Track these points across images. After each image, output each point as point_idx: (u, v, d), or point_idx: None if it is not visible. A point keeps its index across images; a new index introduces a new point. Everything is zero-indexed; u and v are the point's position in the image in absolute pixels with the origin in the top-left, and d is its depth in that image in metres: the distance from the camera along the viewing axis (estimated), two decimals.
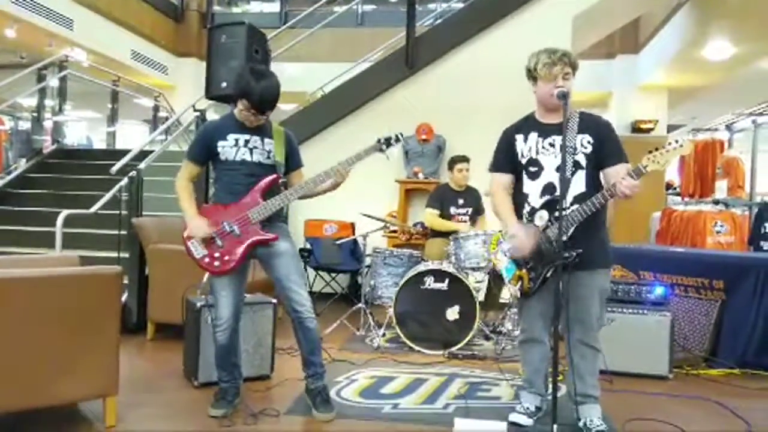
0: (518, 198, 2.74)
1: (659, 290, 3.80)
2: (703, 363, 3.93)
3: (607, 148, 2.63)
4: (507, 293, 4.60)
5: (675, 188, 8.93)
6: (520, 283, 2.70)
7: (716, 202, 6.71)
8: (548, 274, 2.63)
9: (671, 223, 6.78)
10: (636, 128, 9.20)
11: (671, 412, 3.04)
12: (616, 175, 2.53)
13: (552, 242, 2.57)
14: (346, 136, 6.18)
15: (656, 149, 2.42)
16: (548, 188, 2.65)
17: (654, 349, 3.64)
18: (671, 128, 10.47)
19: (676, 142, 2.41)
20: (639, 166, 2.42)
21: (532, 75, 2.67)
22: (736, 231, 6.27)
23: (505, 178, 2.79)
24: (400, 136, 2.96)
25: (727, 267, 4.06)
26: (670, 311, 3.71)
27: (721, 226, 6.26)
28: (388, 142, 2.93)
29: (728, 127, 7.78)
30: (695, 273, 4.15)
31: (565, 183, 2.52)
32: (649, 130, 9.16)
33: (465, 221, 4.90)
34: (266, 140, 2.84)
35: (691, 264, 4.24)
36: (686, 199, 7.58)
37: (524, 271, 2.68)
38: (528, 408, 2.84)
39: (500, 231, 2.89)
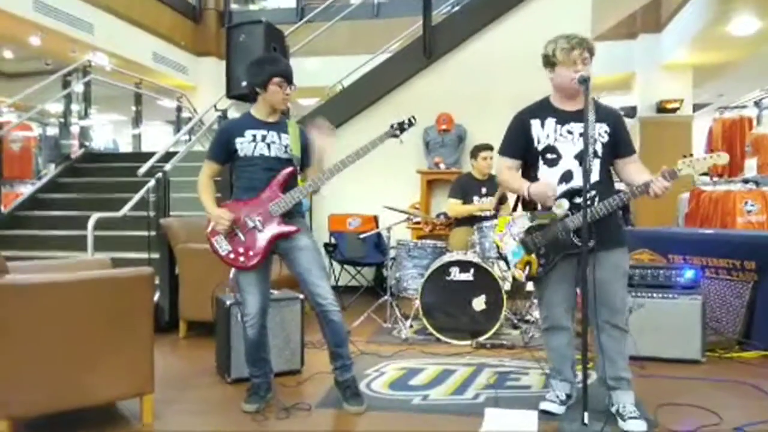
0: None
1: (689, 273, 3.74)
2: (737, 346, 3.87)
3: (621, 138, 2.68)
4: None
5: None
6: (527, 268, 2.70)
7: (746, 181, 6.56)
8: (557, 260, 2.65)
9: (700, 204, 6.65)
10: (661, 108, 9.04)
11: (705, 397, 3.01)
12: (631, 167, 2.66)
13: (569, 232, 2.60)
14: (366, 128, 6.15)
15: (691, 155, 2.50)
16: (566, 176, 2.64)
17: (686, 333, 3.60)
18: (697, 107, 10.26)
19: (717, 154, 2.56)
20: (674, 170, 2.48)
21: (549, 61, 2.65)
22: (767, 210, 6.13)
23: (515, 163, 2.78)
24: (412, 120, 2.97)
25: (758, 247, 3.98)
26: (701, 294, 3.65)
27: (752, 205, 6.12)
28: (401, 126, 2.95)
29: (757, 104, 7.59)
30: (726, 254, 4.08)
31: (588, 174, 2.51)
32: (674, 110, 8.99)
33: (488, 209, 4.88)
34: (283, 135, 2.88)
35: (721, 245, 4.16)
36: (715, 178, 7.42)
37: (533, 256, 2.68)
38: (558, 396, 2.83)
39: (509, 215, 2.89)
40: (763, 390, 3.10)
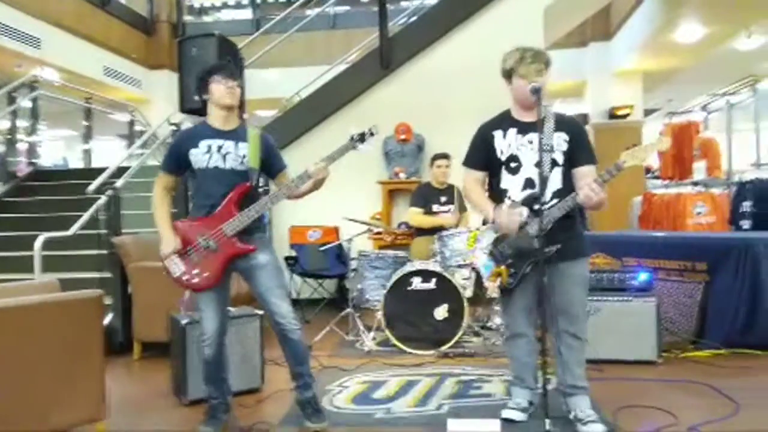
0: (497, 193, 2.76)
1: (643, 276, 3.82)
2: (691, 345, 3.96)
3: (579, 147, 2.69)
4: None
5: (654, 172, 9.01)
6: (498, 279, 2.71)
7: (695, 184, 6.79)
8: (528, 270, 2.66)
9: (652, 206, 6.86)
10: (613, 115, 9.28)
11: (661, 397, 3.07)
12: (583, 176, 2.62)
13: (531, 238, 2.59)
14: (326, 139, 6.10)
15: (634, 145, 2.49)
16: (528, 183, 2.68)
17: (641, 335, 3.67)
18: (648, 112, 10.57)
19: (658, 139, 2.52)
20: (618, 162, 2.47)
21: (507, 73, 2.69)
22: (716, 211, 6.36)
23: (480, 175, 2.81)
24: (373, 130, 2.86)
25: (708, 248, 4.10)
26: (655, 296, 3.73)
27: (702, 207, 6.34)
28: (362, 137, 2.83)
29: (704, 108, 7.87)
30: (677, 256, 4.19)
31: (544, 180, 2.55)
32: (625, 116, 9.24)
33: (450, 225, 4.90)
34: (240, 144, 2.78)
35: (673, 247, 4.28)
36: (666, 182, 7.66)
37: (503, 267, 2.70)
38: (520, 403, 2.84)
39: (477, 229, 2.90)
40: (715, 388, 3.18)
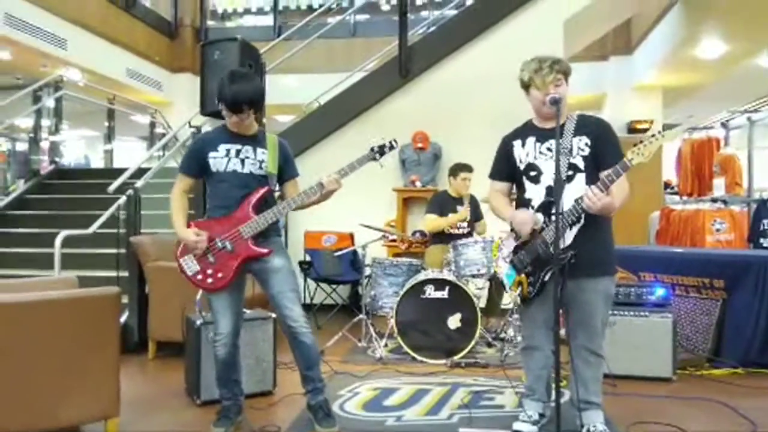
0: (522, 203, 2.74)
1: (660, 291, 3.79)
2: (707, 363, 3.91)
3: (603, 149, 2.59)
4: (508, 299, 4.59)
5: (673, 187, 8.92)
6: (520, 288, 2.69)
7: (714, 200, 6.70)
8: (546, 278, 2.62)
9: (671, 222, 6.77)
10: (632, 129, 9.21)
11: (676, 415, 3.03)
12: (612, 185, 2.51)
13: (548, 244, 2.56)
14: (342, 146, 6.19)
15: (640, 141, 2.39)
16: (549, 191, 2.63)
17: (657, 351, 3.63)
18: (667, 127, 10.42)
19: (659, 132, 2.40)
20: (624, 161, 2.39)
21: (524, 84, 2.67)
22: (735, 228, 6.26)
23: (503, 186, 2.81)
24: (393, 143, 2.91)
25: (726, 265, 4.05)
26: (671, 312, 3.69)
27: (721, 223, 6.25)
28: (381, 150, 2.88)
29: (724, 125, 7.77)
30: (695, 273, 4.14)
31: (560, 186, 2.52)
32: (644, 131, 9.17)
33: (464, 227, 4.90)
34: (259, 150, 2.81)
35: (691, 264, 4.23)
36: (684, 198, 7.57)
37: (523, 275, 2.68)
38: (531, 416, 2.82)
39: (500, 238, 2.88)
40: (731, 407, 3.14)
